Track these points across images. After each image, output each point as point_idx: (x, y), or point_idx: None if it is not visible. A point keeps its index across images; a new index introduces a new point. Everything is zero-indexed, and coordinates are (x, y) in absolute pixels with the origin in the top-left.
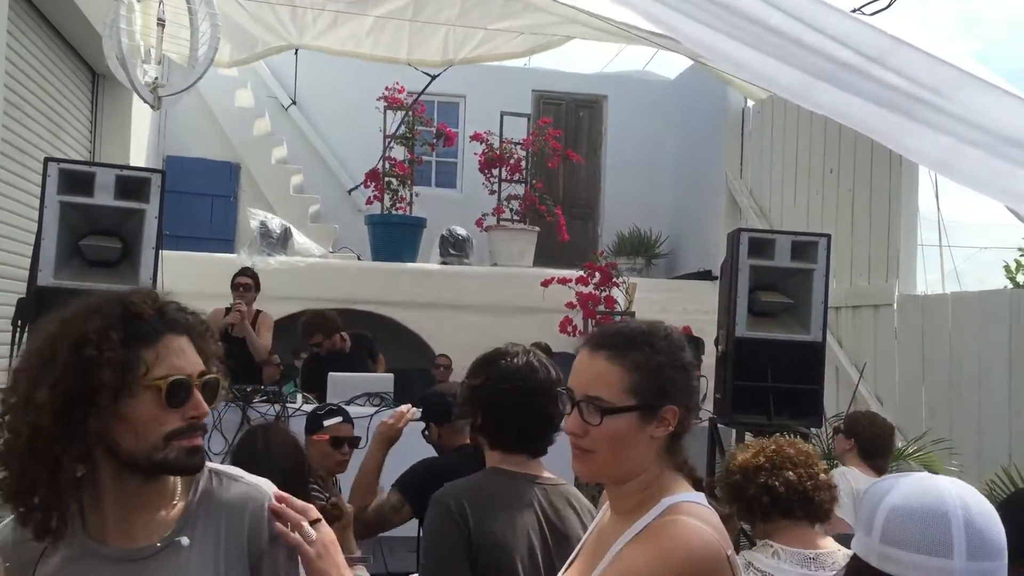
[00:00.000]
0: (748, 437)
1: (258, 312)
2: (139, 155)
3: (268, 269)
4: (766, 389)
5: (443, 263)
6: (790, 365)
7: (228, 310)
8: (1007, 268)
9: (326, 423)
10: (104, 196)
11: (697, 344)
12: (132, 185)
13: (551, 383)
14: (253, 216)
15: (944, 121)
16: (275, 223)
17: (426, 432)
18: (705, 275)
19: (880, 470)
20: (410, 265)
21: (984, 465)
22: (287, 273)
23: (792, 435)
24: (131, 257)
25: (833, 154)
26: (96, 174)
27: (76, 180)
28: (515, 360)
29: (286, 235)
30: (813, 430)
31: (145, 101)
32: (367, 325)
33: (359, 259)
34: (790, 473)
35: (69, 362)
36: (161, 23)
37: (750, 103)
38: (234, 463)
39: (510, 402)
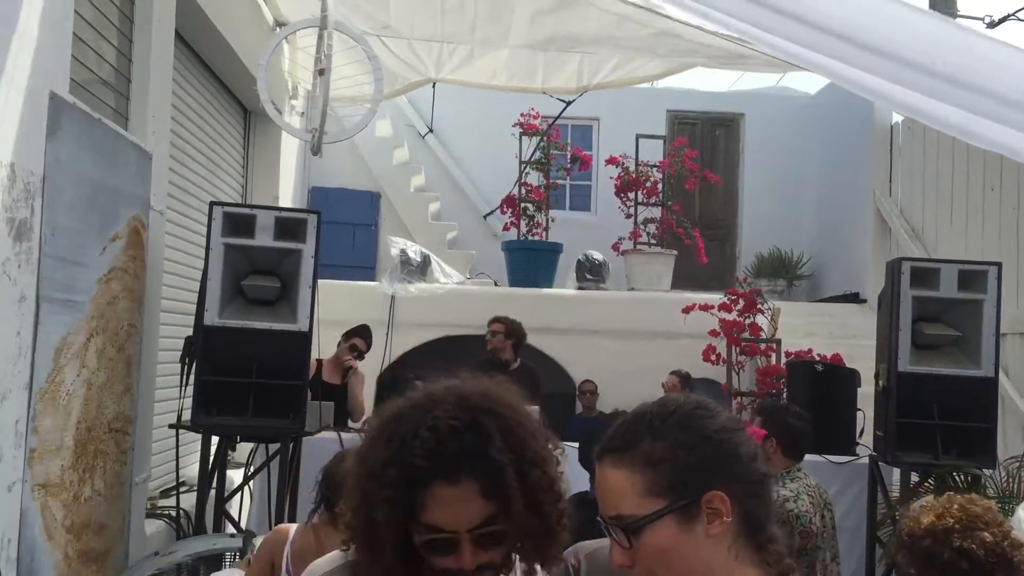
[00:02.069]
0: (913, 477)
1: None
2: (287, 189)
3: (408, 296)
4: (933, 427)
5: (580, 288)
6: (958, 401)
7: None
8: None
9: None
10: (264, 237)
11: (853, 376)
12: (290, 226)
13: None
14: (394, 244)
15: None
16: (415, 250)
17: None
18: (852, 298)
19: None
20: (547, 291)
21: None
22: (426, 300)
23: (963, 477)
24: (289, 296)
25: (994, 171)
26: (257, 216)
27: (238, 222)
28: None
29: (425, 262)
30: (987, 471)
31: (302, 138)
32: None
33: (496, 285)
34: (985, 534)
35: (362, 491)
36: (321, 72)
37: (898, 118)
38: (321, 487)
39: None
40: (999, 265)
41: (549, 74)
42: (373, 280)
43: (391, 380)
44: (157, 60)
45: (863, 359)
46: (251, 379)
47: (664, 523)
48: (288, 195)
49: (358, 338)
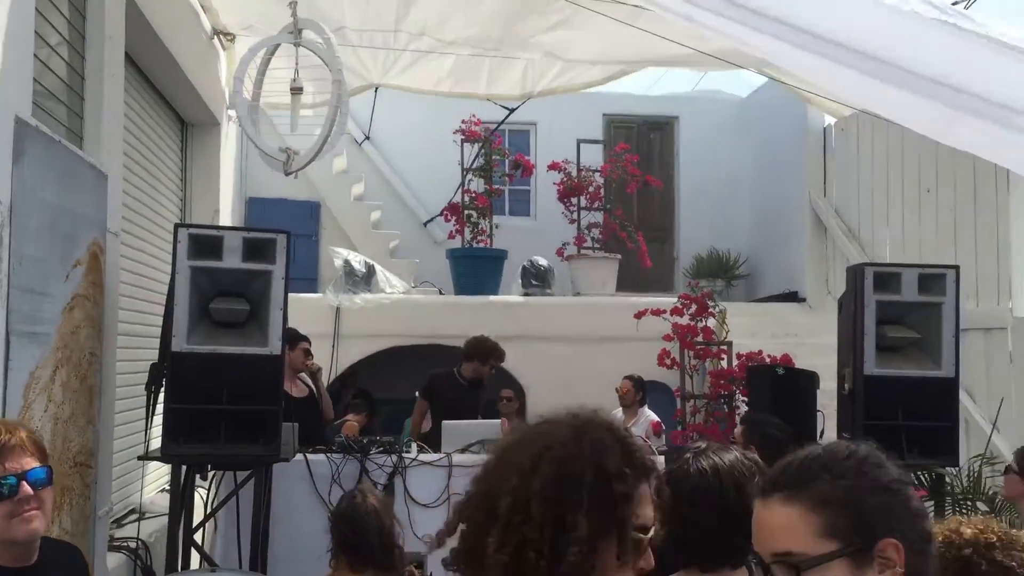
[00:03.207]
0: None
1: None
2: (226, 200)
3: (354, 308)
4: (897, 428)
5: (526, 294)
6: (921, 402)
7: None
8: None
9: None
10: (233, 259)
11: (812, 379)
12: (259, 246)
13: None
14: (336, 255)
15: None
16: (358, 261)
17: None
18: (791, 296)
19: None
20: (494, 298)
21: None
22: (372, 311)
23: (928, 475)
24: (258, 318)
25: (929, 173)
26: (224, 237)
27: (204, 244)
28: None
29: (370, 272)
30: (950, 470)
31: (274, 162)
32: (453, 360)
33: (441, 293)
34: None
35: (599, 494)
36: (297, 91)
37: (831, 120)
38: (336, 529)
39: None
40: (957, 268)
41: (493, 80)
42: (316, 292)
43: (337, 393)
44: (110, 77)
45: (806, 357)
46: (222, 405)
47: (835, 565)
48: (227, 208)
49: (303, 342)
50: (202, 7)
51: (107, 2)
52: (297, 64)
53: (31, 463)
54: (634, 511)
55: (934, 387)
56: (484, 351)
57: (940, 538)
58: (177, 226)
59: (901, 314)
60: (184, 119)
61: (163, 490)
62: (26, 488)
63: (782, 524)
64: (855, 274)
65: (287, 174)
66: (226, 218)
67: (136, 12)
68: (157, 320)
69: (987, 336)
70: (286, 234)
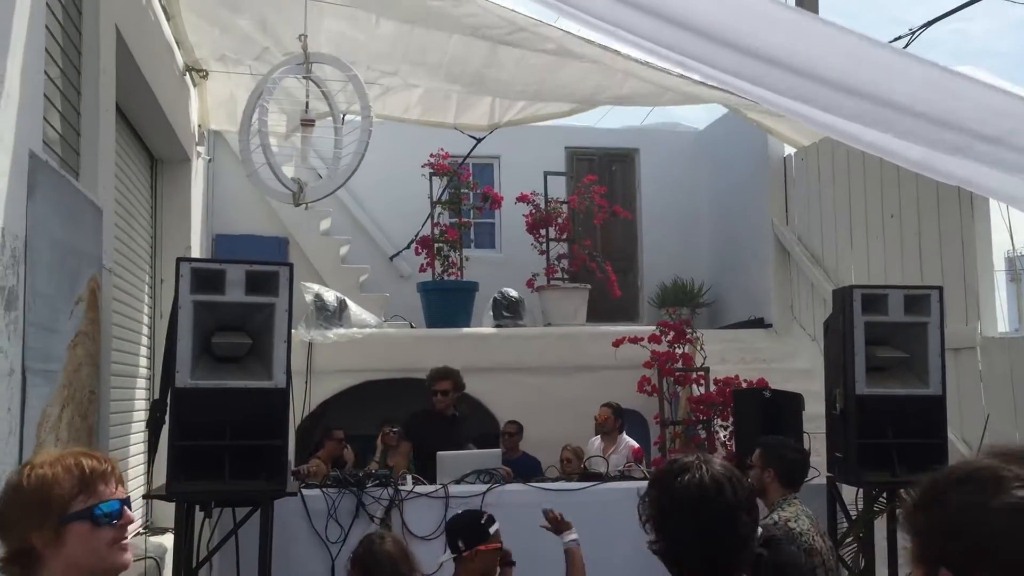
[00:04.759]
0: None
1: None
2: (195, 236)
3: (327, 342)
4: (888, 446)
5: (498, 326)
6: (910, 420)
7: None
8: None
9: (492, 530)
10: (235, 292)
11: (798, 400)
12: (261, 279)
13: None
14: (307, 290)
15: None
16: (330, 296)
17: None
18: (757, 323)
19: None
20: (466, 330)
21: None
22: (345, 346)
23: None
24: (259, 352)
25: (892, 198)
26: (226, 271)
27: (206, 278)
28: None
29: (342, 307)
30: None
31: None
32: (426, 393)
33: (412, 326)
34: None
35: None
36: (308, 123)
37: (791, 150)
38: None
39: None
40: (940, 289)
41: (462, 111)
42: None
43: (308, 431)
44: (105, 112)
45: (777, 381)
46: (226, 441)
47: None
48: (196, 244)
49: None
50: (176, 42)
51: (102, 36)
52: (308, 97)
53: (123, 492)
54: None
55: (923, 405)
56: (429, 379)
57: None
58: (179, 260)
59: (888, 335)
60: (154, 155)
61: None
62: (129, 514)
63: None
64: (843, 296)
65: (296, 205)
66: (196, 254)
67: (123, 46)
68: (134, 358)
69: (956, 356)
70: (289, 266)
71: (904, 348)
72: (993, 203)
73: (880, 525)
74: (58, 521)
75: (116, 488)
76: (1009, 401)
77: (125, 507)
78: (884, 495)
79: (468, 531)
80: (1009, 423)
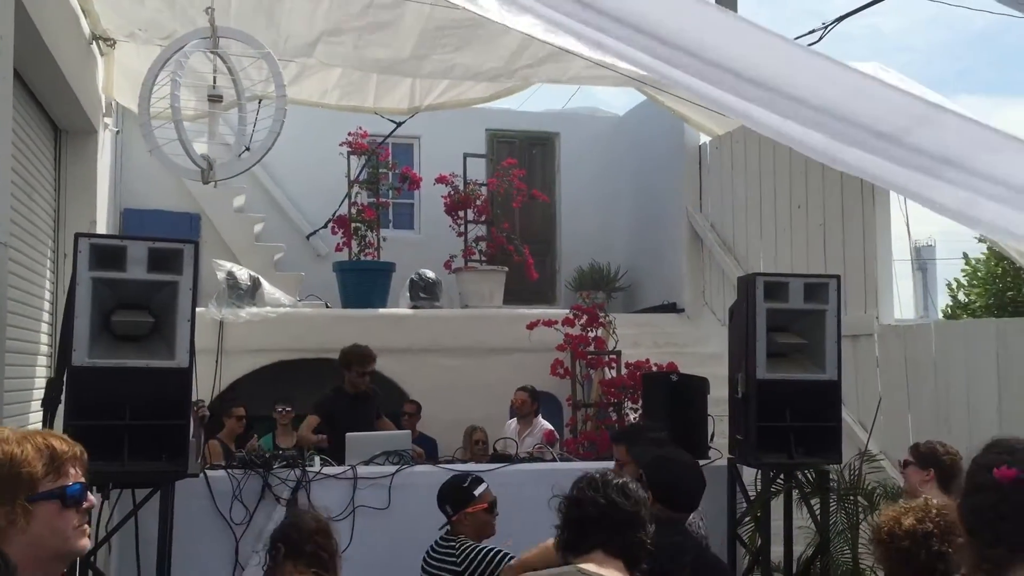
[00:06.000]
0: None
1: None
2: (101, 211)
3: (239, 321)
4: (786, 429)
5: (414, 307)
6: (807, 403)
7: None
8: (949, 287)
9: (477, 492)
10: (137, 270)
11: (704, 384)
12: (165, 257)
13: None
14: (219, 267)
15: (967, 179)
16: (243, 274)
17: None
18: (670, 308)
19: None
20: (382, 311)
21: None
22: (258, 325)
23: (810, 472)
24: (162, 330)
25: (800, 189)
26: (128, 248)
27: (107, 254)
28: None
29: (255, 285)
30: (834, 466)
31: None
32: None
33: (327, 306)
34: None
35: None
36: (216, 99)
37: (706, 139)
38: (281, 542)
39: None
40: (838, 278)
41: (381, 94)
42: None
43: (217, 410)
44: (1, 80)
45: (687, 365)
46: (125, 421)
47: None
48: (102, 218)
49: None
50: (83, 10)
51: None
52: (215, 72)
53: (83, 477)
54: None
55: (819, 389)
56: (345, 359)
57: (884, 529)
58: (77, 235)
59: (788, 321)
60: (58, 125)
61: None
62: (91, 499)
63: None
64: (747, 283)
65: (205, 183)
66: (102, 229)
67: (23, 12)
68: (33, 334)
69: (855, 343)
70: (194, 243)
71: (803, 334)
72: (894, 195)
73: (776, 505)
74: (25, 499)
75: (80, 473)
76: (903, 386)
77: (88, 491)
78: (781, 476)
79: (453, 497)
80: (903, 407)
